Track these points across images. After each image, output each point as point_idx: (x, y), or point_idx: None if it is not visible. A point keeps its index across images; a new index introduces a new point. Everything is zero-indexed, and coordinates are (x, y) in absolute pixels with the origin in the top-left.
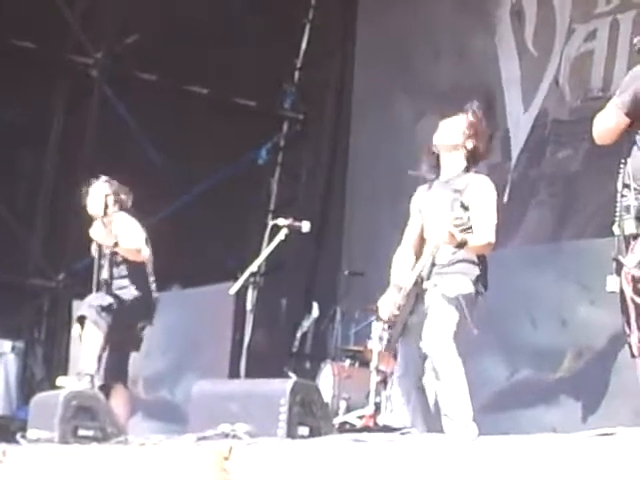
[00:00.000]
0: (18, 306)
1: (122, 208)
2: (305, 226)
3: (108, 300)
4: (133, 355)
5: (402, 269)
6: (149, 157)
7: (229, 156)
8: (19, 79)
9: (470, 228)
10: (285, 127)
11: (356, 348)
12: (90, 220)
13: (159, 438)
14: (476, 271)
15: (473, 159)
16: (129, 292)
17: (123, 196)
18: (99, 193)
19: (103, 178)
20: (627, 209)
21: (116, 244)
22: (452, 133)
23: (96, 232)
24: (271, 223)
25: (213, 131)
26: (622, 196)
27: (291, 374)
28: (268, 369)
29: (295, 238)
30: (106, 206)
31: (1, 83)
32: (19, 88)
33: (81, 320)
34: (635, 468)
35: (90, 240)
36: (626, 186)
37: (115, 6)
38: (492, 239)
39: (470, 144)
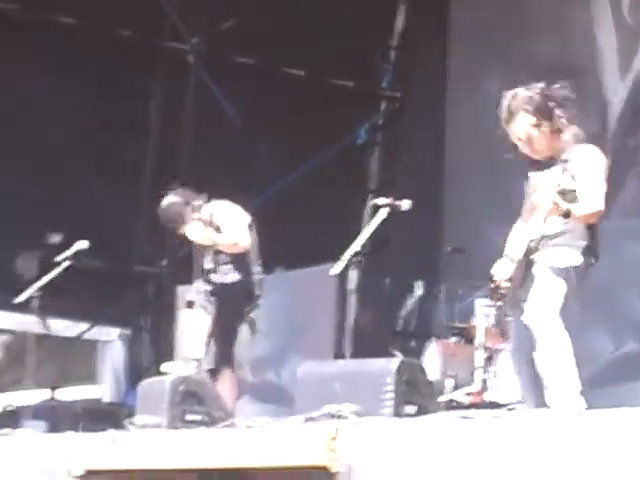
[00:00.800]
0: (124, 293)
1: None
2: (405, 204)
3: (215, 286)
4: (240, 338)
5: (515, 241)
6: (248, 141)
7: (328, 137)
8: (117, 68)
9: (576, 197)
10: (383, 106)
11: (461, 325)
12: None
13: (266, 420)
14: (585, 242)
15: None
16: (234, 277)
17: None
18: (172, 208)
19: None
20: None
21: (214, 242)
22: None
23: (192, 233)
24: (371, 203)
25: (311, 113)
26: None
27: (396, 353)
28: (373, 349)
29: (396, 217)
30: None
31: (100, 72)
32: (118, 76)
33: (189, 305)
34: None
35: None
36: None
37: None
38: (598, 207)
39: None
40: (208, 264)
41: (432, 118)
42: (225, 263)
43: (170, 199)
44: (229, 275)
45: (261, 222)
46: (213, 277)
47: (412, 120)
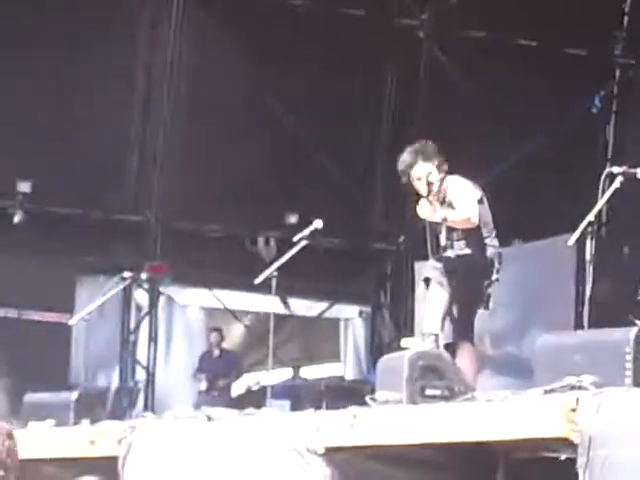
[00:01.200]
0: (362, 271)
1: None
2: None
3: (450, 261)
4: (479, 312)
5: None
6: (482, 114)
7: (562, 107)
8: (349, 47)
9: None
10: (617, 74)
11: None
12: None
13: (505, 394)
14: None
15: None
16: (469, 252)
17: (441, 164)
18: (418, 175)
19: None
20: None
21: (444, 219)
22: None
23: (423, 210)
24: (606, 171)
25: (544, 83)
26: None
27: (637, 322)
28: (613, 318)
29: (632, 185)
30: (429, 184)
31: (330, 54)
32: (351, 55)
33: (426, 281)
34: None
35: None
36: None
37: None
38: None
39: None
40: (443, 240)
41: None
42: (459, 239)
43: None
44: (464, 250)
45: (497, 195)
46: (449, 253)
47: None
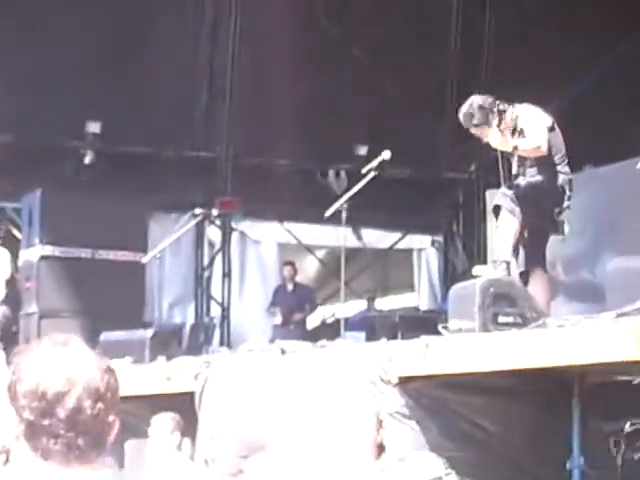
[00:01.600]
0: (433, 201)
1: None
2: None
3: (522, 189)
4: (551, 239)
5: None
6: (547, 49)
7: (622, 33)
8: None
9: None
10: None
11: None
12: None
13: (578, 318)
14: None
15: None
16: (541, 179)
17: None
18: (473, 107)
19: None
20: None
21: (515, 148)
22: None
23: (494, 140)
24: None
25: (609, 14)
26: None
27: None
28: None
29: None
30: (500, 112)
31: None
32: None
33: (496, 210)
34: None
35: None
36: None
37: None
38: None
39: None
40: (515, 168)
41: None
42: (531, 166)
43: (473, 100)
44: (535, 178)
45: (569, 121)
46: (520, 180)
47: None
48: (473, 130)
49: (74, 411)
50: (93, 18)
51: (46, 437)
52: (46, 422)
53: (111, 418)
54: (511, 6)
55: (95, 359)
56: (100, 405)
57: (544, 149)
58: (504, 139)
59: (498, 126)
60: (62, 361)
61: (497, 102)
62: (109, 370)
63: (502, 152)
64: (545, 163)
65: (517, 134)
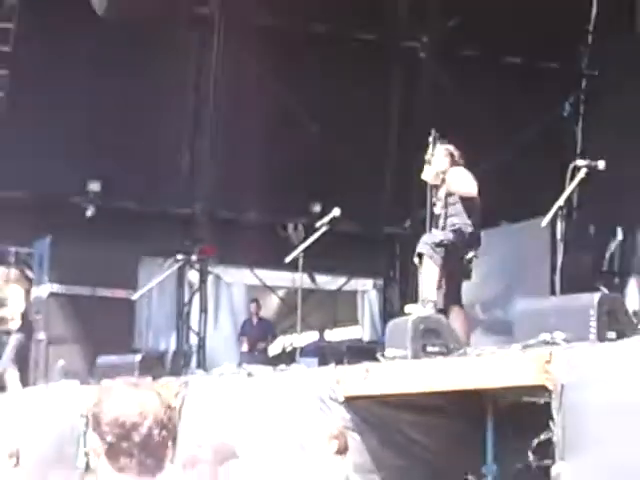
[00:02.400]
0: (375, 251)
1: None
2: (600, 165)
3: (439, 237)
4: (471, 283)
5: None
6: (471, 118)
7: (539, 111)
8: (357, 68)
9: None
10: (583, 84)
11: None
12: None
13: (492, 349)
14: None
15: None
16: (456, 228)
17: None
18: (440, 154)
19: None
20: None
21: (443, 180)
22: None
23: (427, 174)
24: (572, 164)
25: (523, 93)
26: None
27: (602, 289)
28: (581, 286)
29: (595, 175)
30: (445, 161)
31: (345, 70)
32: (361, 76)
33: (419, 256)
34: None
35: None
36: None
37: None
38: None
39: None
40: (437, 209)
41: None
42: (452, 216)
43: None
44: (454, 227)
45: (493, 182)
46: (439, 232)
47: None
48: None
49: (146, 437)
50: (96, 95)
51: (123, 456)
52: (124, 445)
53: (170, 444)
54: (440, 88)
55: (159, 398)
56: (164, 433)
57: (473, 190)
58: (435, 173)
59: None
60: (136, 398)
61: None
62: (170, 407)
63: (432, 201)
64: (463, 213)
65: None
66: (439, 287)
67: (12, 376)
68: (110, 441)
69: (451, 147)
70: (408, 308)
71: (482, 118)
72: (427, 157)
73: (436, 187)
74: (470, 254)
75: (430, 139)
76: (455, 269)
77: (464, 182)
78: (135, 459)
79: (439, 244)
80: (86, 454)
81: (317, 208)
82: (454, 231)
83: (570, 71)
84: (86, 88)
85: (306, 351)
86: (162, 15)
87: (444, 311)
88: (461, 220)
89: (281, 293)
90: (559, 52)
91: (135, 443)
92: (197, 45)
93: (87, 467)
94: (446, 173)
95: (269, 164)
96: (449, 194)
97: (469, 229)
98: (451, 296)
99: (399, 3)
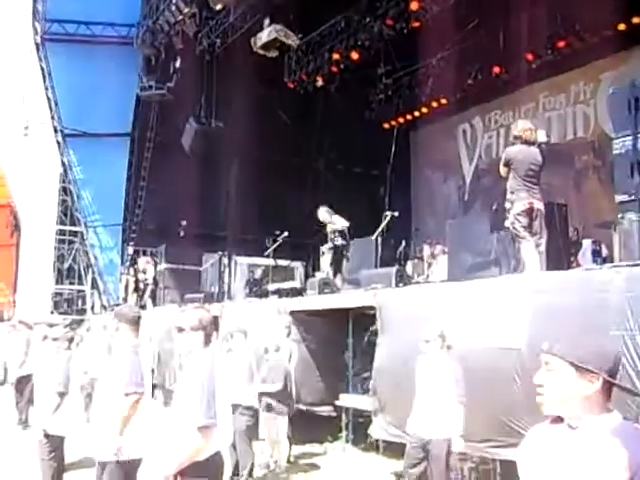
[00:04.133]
0: None
1: None
2: None
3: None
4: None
5: None
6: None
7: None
8: None
9: None
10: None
11: None
12: None
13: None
14: None
15: None
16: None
17: None
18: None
19: None
20: None
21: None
22: None
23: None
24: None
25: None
26: None
27: None
28: None
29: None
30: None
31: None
32: None
33: None
34: None
35: None
36: None
37: None
38: None
39: None
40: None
41: None
42: None
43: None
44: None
45: None
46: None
47: None
48: None
49: (210, 329)
50: None
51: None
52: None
53: (215, 333)
54: None
55: (209, 312)
56: (213, 327)
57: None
58: None
59: None
60: (203, 311)
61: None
62: (215, 316)
63: None
64: None
65: None
66: None
67: None
68: (197, 332)
69: None
70: None
71: None
72: None
73: None
74: None
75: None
76: None
77: None
78: (207, 339)
79: None
80: None
81: None
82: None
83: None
84: None
85: None
86: None
87: None
88: None
89: None
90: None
91: (209, 332)
92: None
93: None
94: None
95: None
96: None
97: None
98: None
99: None
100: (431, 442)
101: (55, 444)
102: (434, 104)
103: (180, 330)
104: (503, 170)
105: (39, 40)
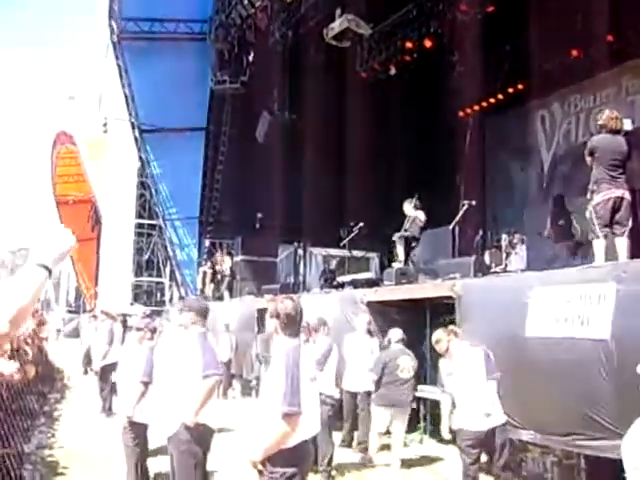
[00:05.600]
0: None
1: None
2: None
3: None
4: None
5: None
6: None
7: None
8: None
9: None
10: None
11: None
12: None
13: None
14: None
15: None
16: None
17: None
18: None
19: None
20: None
21: None
22: None
23: None
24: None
25: None
26: None
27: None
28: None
29: None
30: None
31: None
32: None
33: None
34: None
35: None
36: None
37: None
38: None
39: None
40: None
41: None
42: None
43: None
44: None
45: None
46: None
47: None
48: None
49: (296, 317)
50: None
51: (290, 328)
52: (290, 323)
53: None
54: None
55: (295, 301)
56: (301, 315)
57: None
58: None
59: None
60: (291, 302)
61: None
62: (299, 304)
63: None
64: None
65: None
66: None
67: None
68: (284, 321)
69: None
70: None
71: None
72: None
73: None
74: None
75: None
76: None
77: None
78: (294, 328)
79: None
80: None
81: None
82: None
83: None
84: None
85: None
86: None
87: None
88: None
89: None
90: None
91: (296, 322)
92: None
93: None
94: None
95: None
96: None
97: None
98: None
99: None
100: (483, 433)
101: (139, 431)
102: (510, 90)
103: (271, 316)
104: (588, 159)
105: (116, 39)
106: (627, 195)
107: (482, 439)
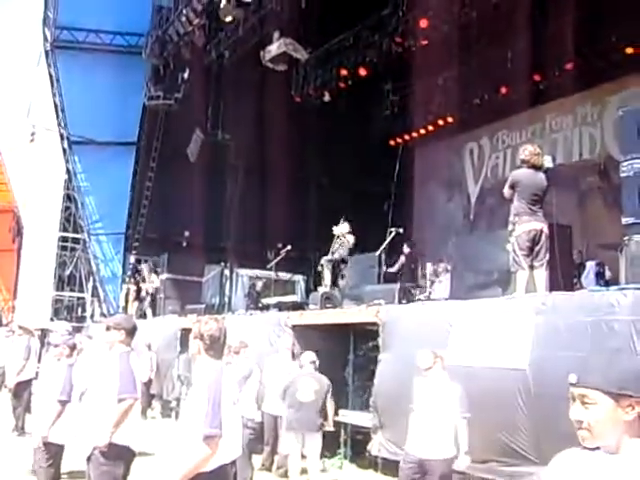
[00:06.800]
0: None
1: None
2: None
3: None
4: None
5: None
6: None
7: None
8: None
9: None
10: None
11: None
12: None
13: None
14: None
15: None
16: None
17: None
18: None
19: None
20: None
21: None
22: None
23: None
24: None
25: None
26: None
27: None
28: None
29: None
30: None
31: None
32: None
33: None
34: None
35: None
36: None
37: None
38: None
39: None
40: None
41: None
42: None
43: None
44: None
45: None
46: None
47: None
48: None
49: (220, 339)
50: None
51: (213, 350)
52: (213, 344)
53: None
54: None
55: (220, 322)
56: (224, 338)
57: None
58: None
59: None
60: (215, 323)
61: None
62: (224, 326)
63: None
64: None
65: None
66: None
67: None
68: (207, 343)
69: None
70: None
71: None
72: None
73: None
74: None
75: None
76: None
77: None
78: (218, 350)
79: None
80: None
81: None
82: None
83: None
84: None
85: None
86: None
87: None
88: None
89: None
90: None
91: (219, 344)
92: None
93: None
94: None
95: None
96: None
97: None
98: None
99: None
100: (429, 462)
101: (53, 452)
102: (440, 122)
103: (195, 337)
104: (508, 192)
105: (49, 47)
106: (545, 229)
107: (425, 467)
